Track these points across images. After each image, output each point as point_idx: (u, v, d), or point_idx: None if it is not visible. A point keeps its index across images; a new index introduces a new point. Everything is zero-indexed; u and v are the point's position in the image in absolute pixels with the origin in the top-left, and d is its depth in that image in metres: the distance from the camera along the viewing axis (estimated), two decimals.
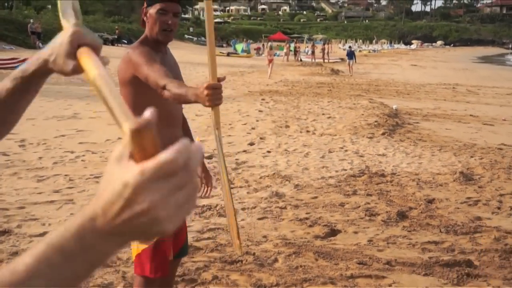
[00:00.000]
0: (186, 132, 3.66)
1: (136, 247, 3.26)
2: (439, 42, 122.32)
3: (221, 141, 3.16)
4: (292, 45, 52.15)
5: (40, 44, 38.19)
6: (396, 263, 5.26)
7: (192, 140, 3.55)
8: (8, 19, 41.04)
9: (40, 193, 7.10)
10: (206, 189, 3.70)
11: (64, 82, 21.14)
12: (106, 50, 36.04)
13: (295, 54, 46.92)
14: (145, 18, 3.31)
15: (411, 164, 9.50)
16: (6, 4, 54.38)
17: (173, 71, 3.29)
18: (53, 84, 20.26)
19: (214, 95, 2.74)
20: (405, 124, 13.78)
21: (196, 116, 12.96)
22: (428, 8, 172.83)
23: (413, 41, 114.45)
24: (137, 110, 3.22)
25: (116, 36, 51.79)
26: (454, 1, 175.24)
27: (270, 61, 28.85)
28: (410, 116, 15.47)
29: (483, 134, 13.08)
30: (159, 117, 2.87)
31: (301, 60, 46.17)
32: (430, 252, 5.60)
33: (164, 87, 2.95)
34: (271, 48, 32.55)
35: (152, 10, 3.23)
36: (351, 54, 33.74)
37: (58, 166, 8.49)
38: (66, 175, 7.96)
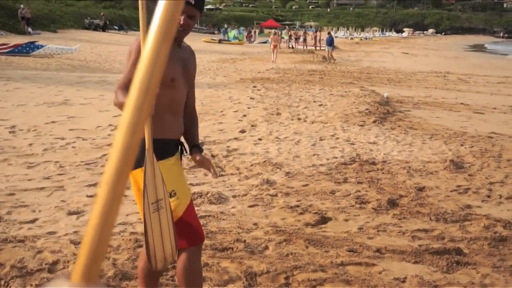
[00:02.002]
0: (194, 127, 3.76)
1: None
2: (430, 30, 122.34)
3: (154, 162, 3.24)
4: (284, 32, 52.03)
5: (30, 30, 37.91)
6: (386, 250, 5.28)
7: (197, 135, 3.74)
8: None
9: (30, 179, 7.07)
10: (213, 170, 3.63)
11: (54, 68, 21.06)
12: (96, 36, 35.56)
13: (295, 40, 46.84)
14: None
15: (401, 152, 9.53)
16: None
17: (180, 64, 3.46)
18: (44, 70, 20.18)
19: None
20: (396, 112, 13.80)
21: None
22: None
23: (404, 29, 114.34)
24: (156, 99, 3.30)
25: (101, 22, 51.18)
26: None
27: (275, 46, 30.58)
28: (401, 104, 15.49)
29: (474, 123, 13.12)
30: (162, 104, 2.92)
31: (293, 47, 46.09)
32: (420, 240, 5.62)
33: (115, 92, 3.25)
34: (275, 33, 33.39)
35: None
36: (330, 42, 33.53)
37: (48, 153, 8.46)
38: (56, 162, 7.93)
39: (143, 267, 3.64)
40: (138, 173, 3.29)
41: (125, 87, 3.23)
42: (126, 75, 3.31)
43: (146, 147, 3.19)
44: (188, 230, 3.45)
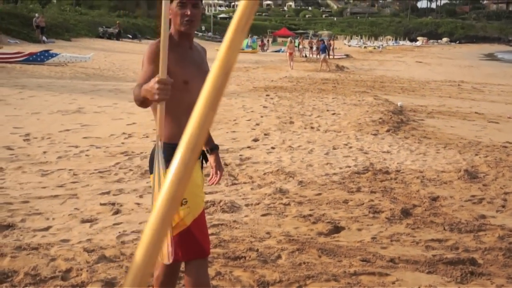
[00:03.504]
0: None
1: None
2: (444, 39, 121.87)
3: (160, 152, 3.28)
4: (297, 41, 52.06)
5: (45, 38, 38.18)
6: (400, 260, 5.25)
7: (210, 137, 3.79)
8: (13, 13, 41.03)
9: (44, 187, 7.11)
10: (215, 177, 3.85)
11: (68, 77, 21.19)
12: (110, 44, 35.73)
13: (310, 49, 46.91)
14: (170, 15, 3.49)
15: (415, 161, 9.48)
16: None
17: (193, 66, 3.48)
18: (58, 78, 20.31)
19: (163, 90, 2.90)
20: (410, 121, 13.74)
21: None
22: (434, 5, 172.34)
23: (418, 38, 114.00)
24: (169, 102, 3.33)
25: (116, 30, 51.41)
26: None
27: (291, 54, 31.82)
28: (415, 113, 15.43)
29: (488, 132, 13.04)
30: (179, 107, 2.93)
31: (306, 56, 46.12)
32: (434, 250, 5.58)
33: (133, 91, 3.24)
34: (290, 42, 34.20)
35: (173, 5, 3.41)
36: (324, 49, 33.52)
37: (62, 161, 8.50)
38: (70, 170, 7.96)
39: (158, 275, 3.64)
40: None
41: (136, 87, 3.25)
42: (140, 79, 3.29)
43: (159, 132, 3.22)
44: (194, 242, 3.42)
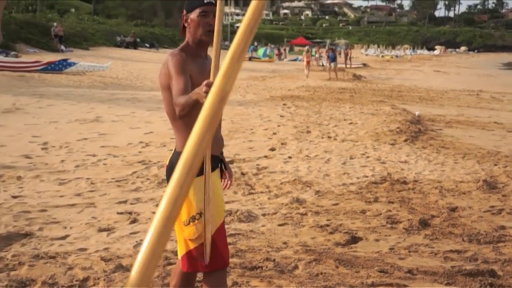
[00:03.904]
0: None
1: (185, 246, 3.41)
2: (462, 48, 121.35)
3: (209, 160, 3.28)
4: (314, 50, 52.08)
5: (63, 47, 38.51)
6: (418, 271, 5.20)
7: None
8: (32, 22, 41.41)
9: (62, 196, 7.14)
10: (227, 182, 3.82)
11: (86, 86, 21.34)
12: (127, 53, 35.92)
13: (327, 58, 46.91)
14: (186, 25, 3.51)
15: (433, 171, 9.41)
16: (30, 7, 54.92)
17: (209, 76, 3.44)
18: (76, 87, 20.46)
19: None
20: (428, 131, 13.66)
21: None
22: (451, 14, 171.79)
23: (436, 47, 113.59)
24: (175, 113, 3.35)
25: (131, 39, 51.72)
26: (478, 7, 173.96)
27: (308, 62, 32.38)
28: (433, 122, 15.33)
29: (508, 142, 12.91)
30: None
31: (323, 65, 46.10)
32: (453, 261, 5.53)
33: (175, 104, 3.25)
34: (307, 51, 34.34)
35: (193, 15, 3.43)
36: (333, 58, 33.45)
37: (80, 170, 8.54)
38: (87, 179, 8.00)
39: (175, 284, 3.63)
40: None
41: (178, 97, 3.26)
42: (179, 91, 3.26)
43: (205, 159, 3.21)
44: (215, 252, 3.40)
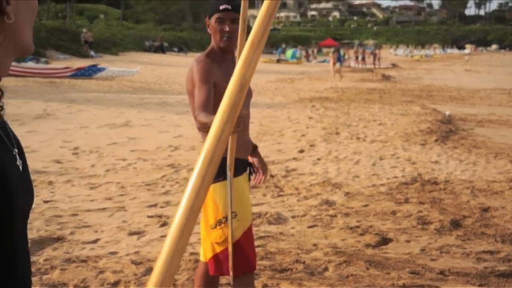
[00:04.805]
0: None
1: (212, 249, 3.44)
2: (493, 46, 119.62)
3: (231, 183, 3.28)
4: (342, 51, 51.96)
5: (93, 53, 38.94)
6: (450, 273, 5.13)
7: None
8: (62, 29, 41.97)
9: (93, 200, 7.21)
10: (260, 176, 3.82)
11: (116, 91, 21.53)
12: (156, 58, 36.14)
13: (355, 59, 46.92)
14: (209, 30, 3.52)
15: (465, 171, 9.30)
16: (59, 14, 55.64)
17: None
18: (105, 92, 20.66)
19: (239, 122, 2.93)
20: (459, 131, 13.50)
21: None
22: (482, 12, 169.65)
23: (466, 46, 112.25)
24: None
25: (158, 44, 52.07)
26: (509, 4, 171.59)
27: (334, 63, 33.17)
28: (464, 122, 15.15)
29: None
30: None
31: (349, 65, 45.91)
32: (485, 262, 5.45)
33: (196, 117, 3.25)
34: (334, 52, 35.02)
35: (212, 21, 3.44)
36: (339, 59, 33.85)
37: (110, 174, 8.61)
38: (118, 183, 8.06)
39: (199, 285, 3.64)
40: (212, 187, 3.32)
41: (205, 108, 3.23)
42: (201, 101, 3.27)
43: (228, 165, 3.22)
44: (243, 256, 3.40)
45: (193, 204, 0.88)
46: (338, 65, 32.93)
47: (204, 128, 3.19)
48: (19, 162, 1.22)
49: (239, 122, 2.97)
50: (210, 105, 3.23)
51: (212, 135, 0.90)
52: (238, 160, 3.39)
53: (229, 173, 3.22)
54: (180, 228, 0.86)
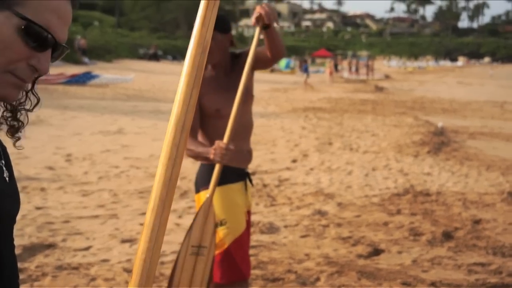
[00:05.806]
0: None
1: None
2: (486, 59, 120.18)
3: (211, 209, 3.34)
4: (328, 61, 52.17)
5: (87, 60, 38.87)
6: (441, 284, 5.15)
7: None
8: None
9: (85, 207, 7.19)
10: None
11: (109, 98, 21.51)
12: (150, 65, 36.09)
13: (349, 70, 47.41)
14: None
15: (457, 183, 9.33)
16: None
17: (226, 93, 3.44)
18: (99, 99, 20.63)
19: (219, 152, 3.14)
20: (451, 143, 13.55)
21: None
22: (475, 25, 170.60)
23: (459, 58, 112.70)
24: (204, 129, 3.40)
25: (152, 52, 52.12)
26: (502, 18, 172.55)
27: (331, 72, 35.52)
28: (456, 134, 15.21)
29: None
30: (216, 132, 3.02)
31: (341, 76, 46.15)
32: (477, 274, 5.46)
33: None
34: (329, 62, 36.43)
35: None
36: (306, 69, 35.72)
37: (102, 181, 8.60)
38: (110, 190, 8.05)
39: None
40: (203, 195, 3.32)
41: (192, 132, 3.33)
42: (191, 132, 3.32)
43: (208, 194, 3.28)
44: (232, 264, 3.39)
45: (171, 174, 0.89)
46: (305, 75, 33.92)
47: (191, 157, 3.33)
48: (6, 174, 1.21)
49: (224, 154, 3.04)
50: (194, 129, 3.36)
51: (180, 101, 0.90)
52: (231, 169, 3.38)
53: (208, 198, 3.29)
54: (161, 201, 0.87)
